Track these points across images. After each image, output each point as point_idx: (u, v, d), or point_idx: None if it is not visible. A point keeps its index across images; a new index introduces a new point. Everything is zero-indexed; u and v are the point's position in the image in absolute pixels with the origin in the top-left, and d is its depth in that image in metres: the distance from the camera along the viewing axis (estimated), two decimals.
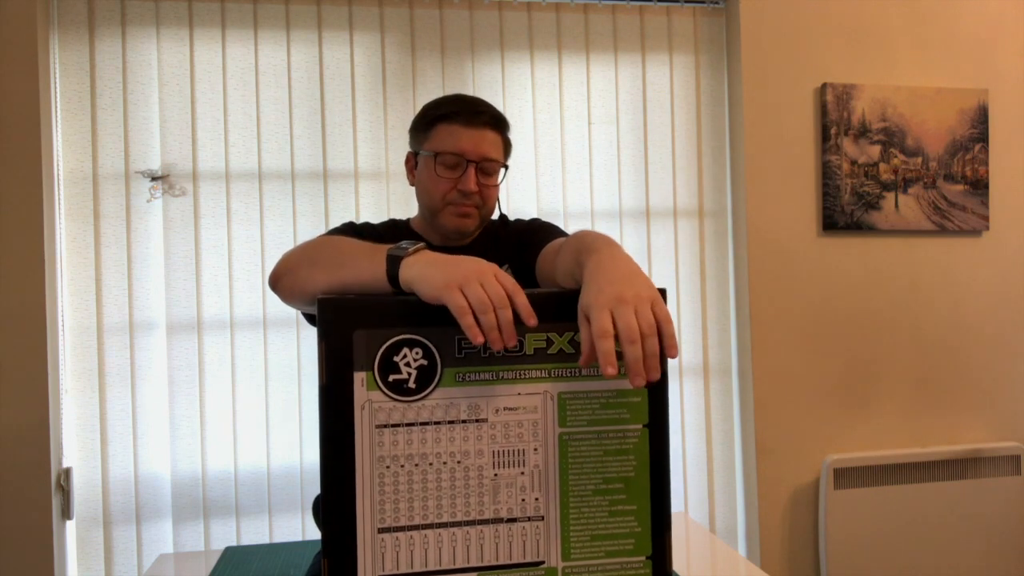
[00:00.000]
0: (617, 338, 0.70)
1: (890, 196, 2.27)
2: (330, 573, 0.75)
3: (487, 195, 1.20)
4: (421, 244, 0.83)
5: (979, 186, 2.33)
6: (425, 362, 0.77)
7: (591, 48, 2.21)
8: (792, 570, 2.25)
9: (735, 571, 1.59)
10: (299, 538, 2.04)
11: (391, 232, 1.26)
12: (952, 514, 2.24)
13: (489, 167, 1.18)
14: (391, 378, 0.76)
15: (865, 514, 2.19)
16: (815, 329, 2.26)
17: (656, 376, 0.70)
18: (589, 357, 0.72)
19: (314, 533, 2.03)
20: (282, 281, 0.97)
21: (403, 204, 2.10)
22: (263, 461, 2.04)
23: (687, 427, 2.25)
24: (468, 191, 1.16)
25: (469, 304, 0.72)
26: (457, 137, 1.16)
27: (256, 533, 2.04)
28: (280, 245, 2.04)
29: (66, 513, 1.96)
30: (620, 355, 0.70)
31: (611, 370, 0.69)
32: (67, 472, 1.95)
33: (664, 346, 0.72)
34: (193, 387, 2.01)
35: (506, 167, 1.23)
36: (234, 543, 2.02)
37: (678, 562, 1.55)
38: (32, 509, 1.90)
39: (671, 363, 2.22)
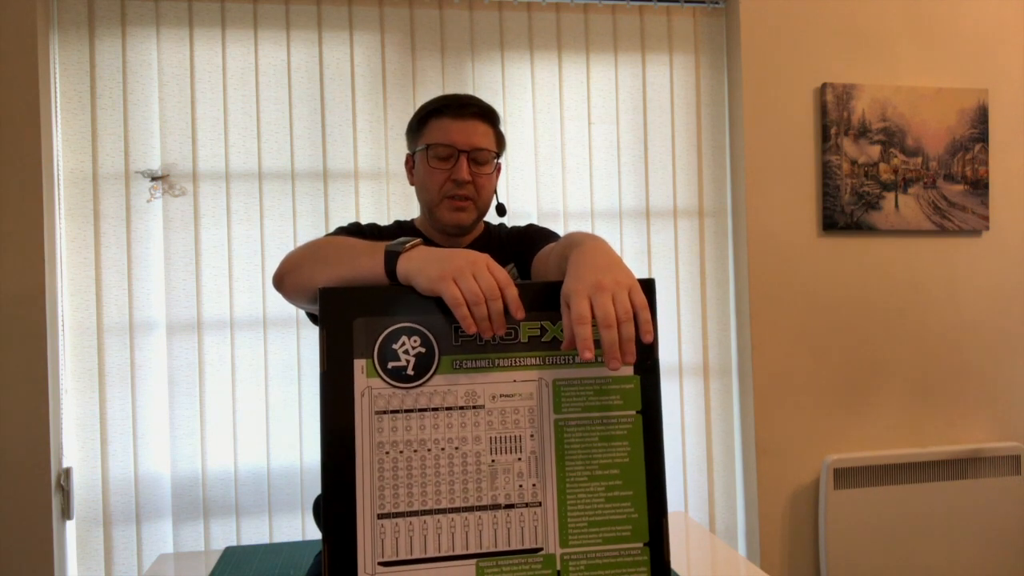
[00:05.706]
0: (596, 324, 0.73)
1: (890, 196, 2.27)
2: (330, 558, 0.75)
3: (481, 185, 1.23)
4: (418, 240, 0.87)
5: (979, 186, 2.33)
6: (423, 350, 0.79)
7: (591, 48, 2.22)
8: (792, 570, 2.25)
9: (735, 571, 1.59)
10: (299, 538, 2.04)
11: (396, 232, 1.30)
12: (952, 514, 2.24)
13: (481, 156, 1.22)
14: (390, 365, 0.78)
15: (865, 514, 2.19)
16: (815, 329, 2.26)
17: (631, 359, 0.74)
18: (570, 342, 0.75)
19: (314, 533, 2.03)
20: (286, 279, 1.00)
21: (403, 204, 2.10)
22: (263, 461, 2.04)
23: (687, 427, 2.24)
24: (461, 180, 1.20)
25: (463, 295, 0.76)
26: (447, 129, 1.21)
27: (256, 533, 2.04)
28: (280, 245, 2.04)
29: (66, 513, 1.96)
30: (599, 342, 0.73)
31: (588, 354, 0.72)
32: (67, 472, 1.95)
33: (640, 332, 0.75)
34: (193, 387, 2.01)
35: (498, 155, 1.27)
36: (234, 543, 2.02)
37: (678, 562, 1.55)
38: (32, 509, 1.90)
39: (671, 362, 2.22)
